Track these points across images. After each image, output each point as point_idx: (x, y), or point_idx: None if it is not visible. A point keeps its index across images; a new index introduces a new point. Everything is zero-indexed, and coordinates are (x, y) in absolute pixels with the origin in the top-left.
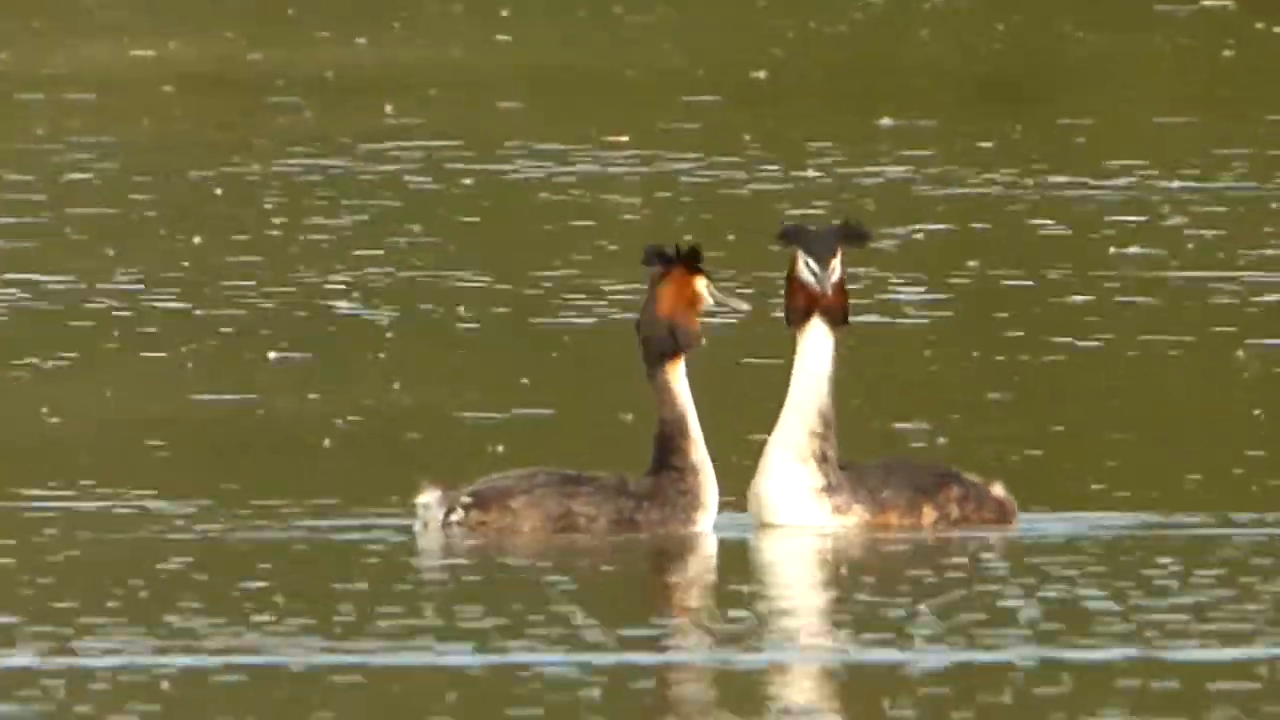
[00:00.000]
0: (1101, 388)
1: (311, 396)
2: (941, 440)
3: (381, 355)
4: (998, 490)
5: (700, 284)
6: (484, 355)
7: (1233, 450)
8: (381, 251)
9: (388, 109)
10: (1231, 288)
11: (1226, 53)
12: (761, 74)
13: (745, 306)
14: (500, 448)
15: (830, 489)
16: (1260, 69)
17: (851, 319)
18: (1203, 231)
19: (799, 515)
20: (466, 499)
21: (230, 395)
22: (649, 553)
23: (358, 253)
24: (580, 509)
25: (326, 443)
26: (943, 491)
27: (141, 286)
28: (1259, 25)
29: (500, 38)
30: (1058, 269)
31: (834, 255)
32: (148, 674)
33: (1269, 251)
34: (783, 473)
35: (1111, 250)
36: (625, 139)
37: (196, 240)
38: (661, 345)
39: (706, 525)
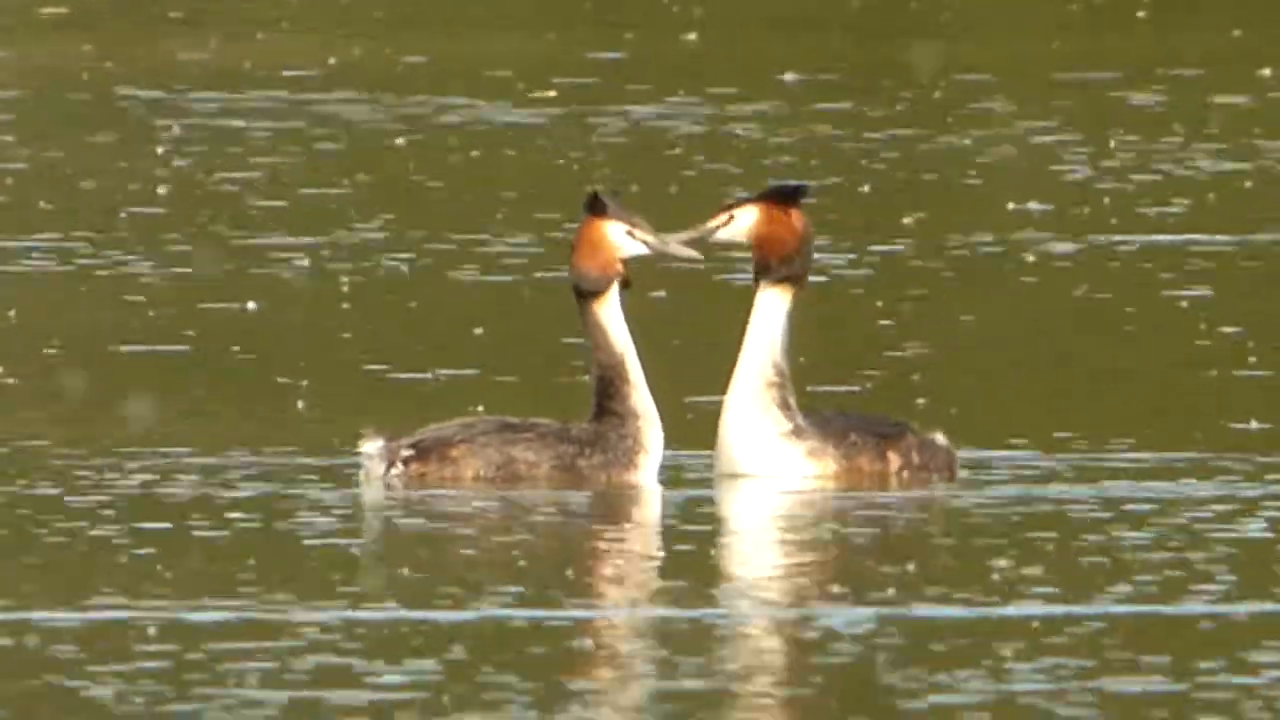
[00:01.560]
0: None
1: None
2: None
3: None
4: (940, 439)
5: (607, 227)
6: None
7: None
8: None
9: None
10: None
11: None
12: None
13: (685, 251)
14: (481, 408)
15: (800, 432)
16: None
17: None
18: (1103, 186)
19: (768, 462)
20: (407, 451)
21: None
22: (591, 504)
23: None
24: (521, 455)
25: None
26: (903, 439)
27: None
28: None
29: None
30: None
31: (730, 209)
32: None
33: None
34: (748, 420)
35: (1011, 206)
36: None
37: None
38: (577, 286)
39: (651, 470)
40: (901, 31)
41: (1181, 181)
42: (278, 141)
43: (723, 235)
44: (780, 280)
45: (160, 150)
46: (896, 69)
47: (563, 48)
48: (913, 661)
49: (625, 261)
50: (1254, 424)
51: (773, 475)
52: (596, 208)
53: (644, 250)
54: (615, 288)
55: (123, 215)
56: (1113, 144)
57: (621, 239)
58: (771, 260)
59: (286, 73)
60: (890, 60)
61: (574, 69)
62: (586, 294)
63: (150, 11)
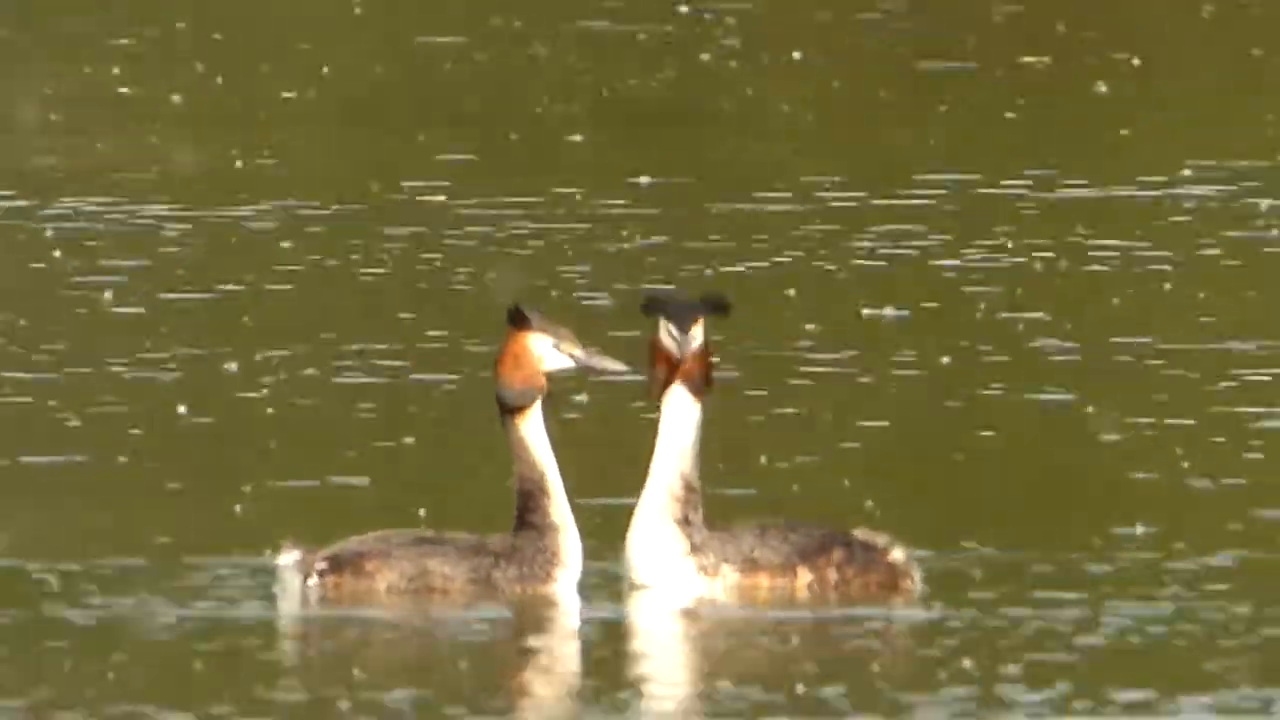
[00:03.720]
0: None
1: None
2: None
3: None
4: (895, 554)
5: (530, 340)
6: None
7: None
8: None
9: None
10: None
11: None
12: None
13: (615, 366)
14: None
15: (695, 549)
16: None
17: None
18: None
19: (666, 576)
20: (321, 564)
21: None
22: (507, 619)
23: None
24: (436, 567)
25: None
26: (823, 554)
27: None
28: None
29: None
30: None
31: (695, 323)
32: None
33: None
34: (648, 535)
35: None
36: None
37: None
38: (500, 400)
39: (568, 584)
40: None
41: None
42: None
43: (693, 347)
44: (698, 392)
45: None
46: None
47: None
48: None
49: (549, 375)
50: (1139, 529)
51: (673, 590)
52: (520, 321)
53: (569, 364)
54: (538, 403)
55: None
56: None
57: (547, 352)
58: (703, 373)
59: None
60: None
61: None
62: (510, 409)
63: None
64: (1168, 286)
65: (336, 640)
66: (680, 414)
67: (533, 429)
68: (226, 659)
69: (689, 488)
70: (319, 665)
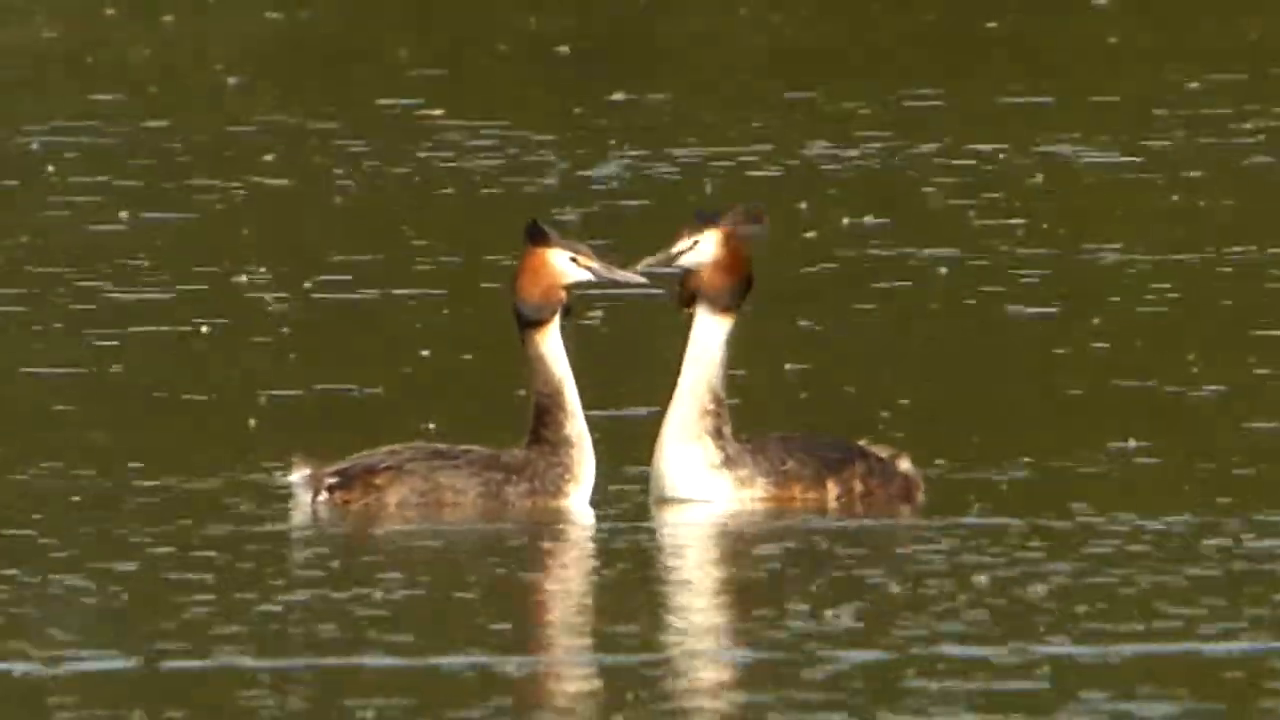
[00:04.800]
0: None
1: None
2: None
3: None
4: (904, 465)
5: (549, 255)
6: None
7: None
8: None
9: None
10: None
11: None
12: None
13: (634, 279)
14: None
15: (730, 461)
16: None
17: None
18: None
19: (699, 491)
20: (332, 479)
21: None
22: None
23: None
24: (447, 482)
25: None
26: (848, 467)
27: None
28: None
29: None
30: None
31: (701, 231)
32: None
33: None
34: (679, 449)
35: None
36: None
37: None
38: (519, 315)
39: (581, 500)
40: None
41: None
42: None
43: (687, 260)
44: (723, 308)
45: None
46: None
47: None
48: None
49: (569, 289)
50: (1132, 442)
51: (704, 503)
52: (538, 236)
53: (588, 277)
54: (557, 317)
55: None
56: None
57: (565, 266)
58: (724, 287)
59: None
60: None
61: None
62: (528, 323)
63: None
64: (1176, 197)
65: (345, 556)
66: (706, 328)
67: (551, 343)
68: (235, 575)
69: (717, 400)
70: (327, 581)
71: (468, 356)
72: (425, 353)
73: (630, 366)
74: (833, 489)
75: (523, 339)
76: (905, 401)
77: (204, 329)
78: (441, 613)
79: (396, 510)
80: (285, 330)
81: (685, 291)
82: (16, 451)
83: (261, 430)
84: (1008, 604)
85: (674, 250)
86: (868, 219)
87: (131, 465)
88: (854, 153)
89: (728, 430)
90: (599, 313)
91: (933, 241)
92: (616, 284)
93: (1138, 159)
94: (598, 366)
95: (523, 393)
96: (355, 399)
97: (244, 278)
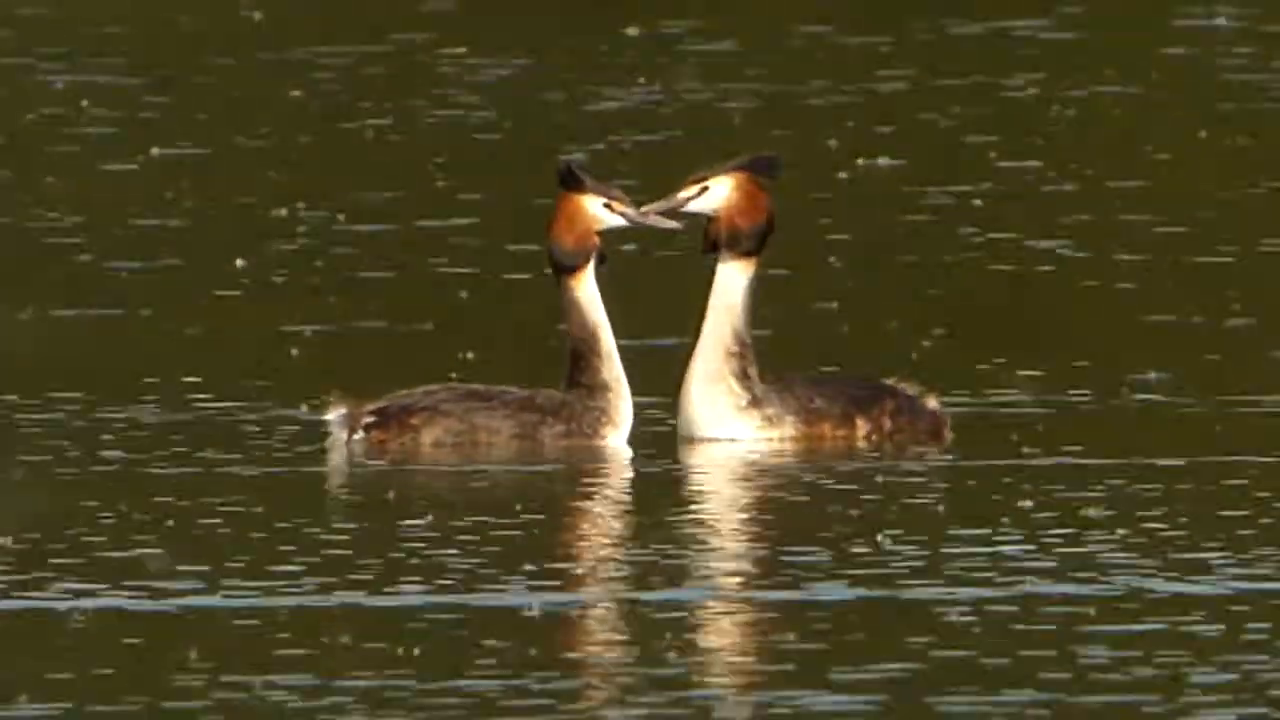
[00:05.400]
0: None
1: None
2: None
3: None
4: (932, 403)
5: (585, 201)
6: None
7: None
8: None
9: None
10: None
11: None
12: None
13: (668, 224)
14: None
15: (756, 402)
16: None
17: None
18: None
19: (727, 431)
20: (369, 418)
21: None
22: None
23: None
24: (482, 423)
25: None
26: (876, 404)
27: None
28: None
29: None
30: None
31: (710, 177)
32: None
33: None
34: (706, 390)
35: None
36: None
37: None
38: (554, 261)
39: (619, 443)
40: None
41: None
42: None
43: (695, 206)
44: (744, 253)
45: None
46: None
47: None
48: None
49: (602, 234)
50: (1153, 375)
51: (733, 442)
52: (572, 182)
53: (622, 223)
54: (592, 262)
55: None
56: None
57: (600, 212)
58: (743, 232)
59: None
60: None
61: None
62: (563, 269)
63: None
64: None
65: (380, 495)
66: (728, 273)
67: (586, 289)
68: (270, 515)
69: (742, 342)
70: (363, 520)
71: (509, 285)
72: (464, 294)
73: (660, 297)
74: (862, 426)
75: (558, 284)
76: (933, 338)
77: (239, 263)
78: (473, 551)
79: (432, 450)
80: (318, 264)
81: (708, 237)
82: (40, 390)
83: (298, 364)
84: (1041, 543)
85: (681, 196)
86: (881, 160)
87: (180, 398)
88: (877, 88)
89: (754, 371)
90: (632, 245)
91: (956, 179)
92: (649, 228)
93: (1166, 94)
94: (629, 297)
95: (563, 327)
96: (393, 335)
97: (283, 211)
